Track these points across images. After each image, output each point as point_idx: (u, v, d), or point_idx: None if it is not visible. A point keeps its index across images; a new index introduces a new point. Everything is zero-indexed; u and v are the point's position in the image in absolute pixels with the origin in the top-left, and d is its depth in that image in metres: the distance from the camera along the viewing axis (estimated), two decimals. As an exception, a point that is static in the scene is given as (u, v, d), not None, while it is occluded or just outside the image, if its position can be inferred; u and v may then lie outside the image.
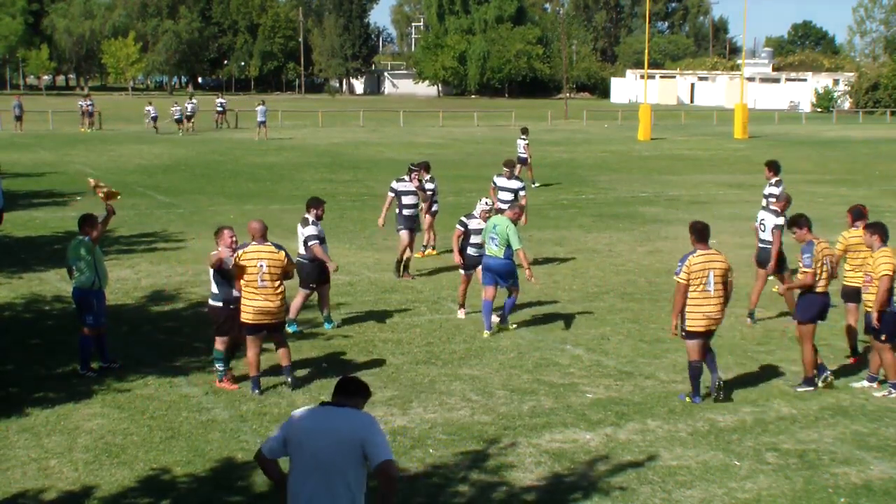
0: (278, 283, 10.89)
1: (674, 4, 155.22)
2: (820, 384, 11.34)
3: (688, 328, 10.72)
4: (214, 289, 11.08)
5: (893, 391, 11.13)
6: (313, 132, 55.06)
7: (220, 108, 56.83)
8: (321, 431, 5.66)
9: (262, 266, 10.75)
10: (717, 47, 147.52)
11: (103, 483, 8.58)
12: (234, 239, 11.06)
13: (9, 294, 15.47)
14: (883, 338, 11.06)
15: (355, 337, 13.31)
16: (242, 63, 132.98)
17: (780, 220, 14.35)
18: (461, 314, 14.43)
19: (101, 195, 12.13)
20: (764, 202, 17.69)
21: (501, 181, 18.39)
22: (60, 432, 9.69)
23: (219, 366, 11.13)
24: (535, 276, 14.38)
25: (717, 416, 10.45)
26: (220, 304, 11.05)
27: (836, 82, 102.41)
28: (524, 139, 32.09)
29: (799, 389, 11.29)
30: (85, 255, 11.46)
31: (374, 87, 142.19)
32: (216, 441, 9.55)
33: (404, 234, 16.91)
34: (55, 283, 16.04)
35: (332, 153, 42.16)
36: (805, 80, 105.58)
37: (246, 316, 10.85)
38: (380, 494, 5.67)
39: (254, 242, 10.97)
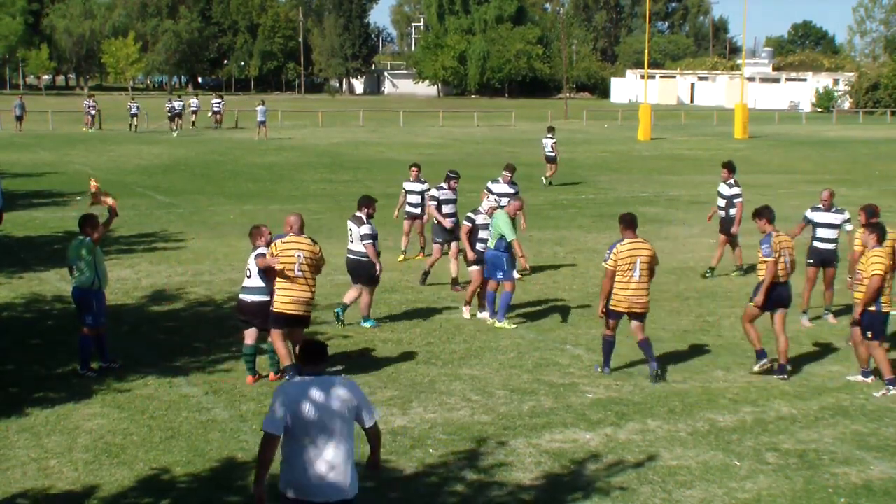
0: (312, 275, 11.11)
1: (674, 4, 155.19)
2: (755, 369, 11.86)
3: (610, 307, 11.54)
4: (259, 283, 11.05)
5: (891, 388, 11.15)
6: (313, 132, 55.06)
7: (215, 108, 56.77)
8: (322, 399, 6.15)
9: (299, 256, 10.98)
10: (717, 47, 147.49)
11: (103, 483, 8.58)
12: (270, 235, 11.31)
13: (9, 294, 15.47)
14: (869, 335, 11.20)
15: (355, 337, 13.30)
16: (242, 63, 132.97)
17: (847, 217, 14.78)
18: (465, 313, 14.39)
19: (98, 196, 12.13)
20: (722, 202, 17.62)
21: (499, 187, 17.67)
22: (60, 432, 9.69)
23: (273, 357, 11.26)
24: (530, 270, 14.42)
25: (717, 416, 10.45)
26: (267, 297, 11.07)
27: (836, 82, 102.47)
28: (551, 138, 32.03)
29: (755, 368, 11.79)
30: (85, 256, 11.48)
31: (374, 87, 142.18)
32: (216, 441, 9.55)
33: (437, 247, 16.56)
34: (55, 283, 16.05)
35: (332, 153, 42.17)
36: (805, 80, 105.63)
37: (281, 305, 10.94)
38: (372, 445, 6.58)
39: (292, 233, 11.15)
